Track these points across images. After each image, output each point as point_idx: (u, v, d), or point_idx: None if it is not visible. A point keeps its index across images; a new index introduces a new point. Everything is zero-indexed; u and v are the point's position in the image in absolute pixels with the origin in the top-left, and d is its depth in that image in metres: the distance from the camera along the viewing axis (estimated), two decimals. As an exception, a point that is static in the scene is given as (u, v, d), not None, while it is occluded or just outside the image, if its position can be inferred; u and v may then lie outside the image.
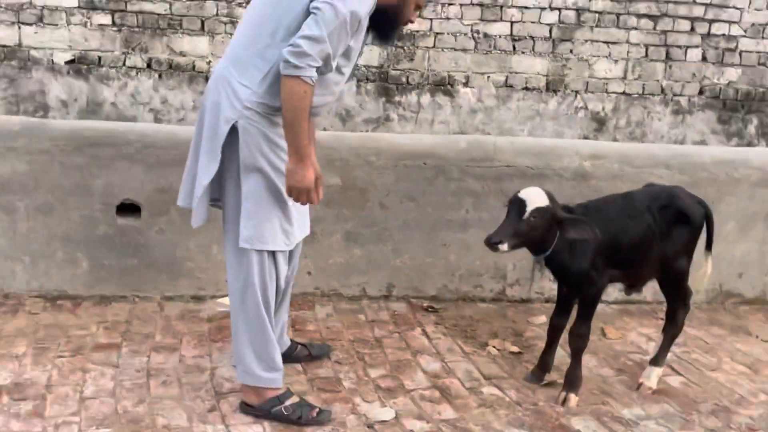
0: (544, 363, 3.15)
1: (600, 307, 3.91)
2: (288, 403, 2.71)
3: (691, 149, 4.39)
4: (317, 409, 2.72)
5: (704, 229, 3.09)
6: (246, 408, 2.72)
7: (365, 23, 2.54)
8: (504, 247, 2.73)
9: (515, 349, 3.43)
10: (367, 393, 2.93)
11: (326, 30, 2.38)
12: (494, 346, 3.42)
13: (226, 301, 3.37)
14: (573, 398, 2.96)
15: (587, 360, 3.33)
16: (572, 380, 3.00)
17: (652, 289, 4.05)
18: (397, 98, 8.52)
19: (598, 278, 2.97)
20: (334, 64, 2.49)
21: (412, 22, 2.86)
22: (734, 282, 4.23)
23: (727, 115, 9.16)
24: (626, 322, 3.89)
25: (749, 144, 9.13)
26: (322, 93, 2.56)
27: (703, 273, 3.14)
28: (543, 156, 3.91)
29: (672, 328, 3.17)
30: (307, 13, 2.42)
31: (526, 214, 2.73)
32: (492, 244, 2.72)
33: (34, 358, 2.98)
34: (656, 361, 3.17)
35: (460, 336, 3.52)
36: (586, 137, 8.72)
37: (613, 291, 4.03)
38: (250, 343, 2.65)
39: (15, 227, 3.47)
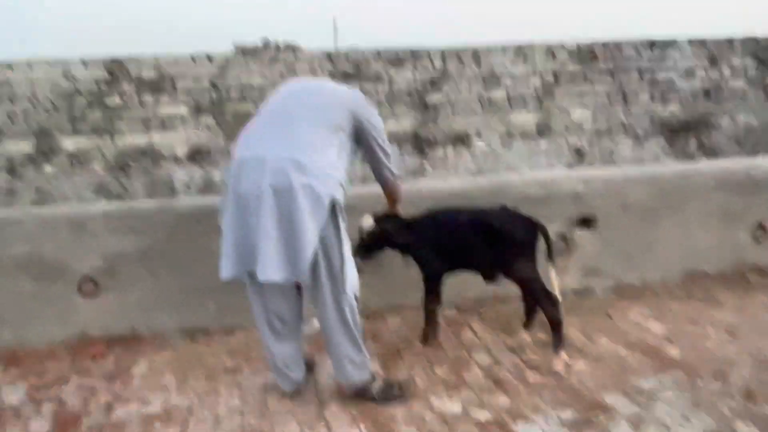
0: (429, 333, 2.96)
1: (599, 295, 3.63)
2: (376, 387, 2.45)
3: (657, 167, 4.00)
4: (397, 387, 2.48)
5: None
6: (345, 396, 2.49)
7: None
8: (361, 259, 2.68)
9: (545, 337, 3.02)
10: (438, 389, 2.56)
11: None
12: (528, 337, 3.04)
13: (315, 322, 3.08)
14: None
15: (603, 341, 2.97)
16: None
17: (638, 273, 3.71)
18: (428, 153, 8.33)
19: (429, 263, 2.82)
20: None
21: None
22: (700, 264, 3.80)
23: (673, 139, 8.74)
24: (623, 304, 3.46)
25: (692, 158, 8.70)
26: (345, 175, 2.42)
27: (552, 281, 2.74)
28: (546, 185, 3.56)
29: (549, 319, 2.73)
30: (348, 110, 2.39)
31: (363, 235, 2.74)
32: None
33: (179, 386, 2.69)
34: (555, 348, 2.74)
35: (501, 331, 3.15)
36: (571, 166, 8.41)
37: (608, 281, 3.65)
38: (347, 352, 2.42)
39: (157, 283, 3.23)
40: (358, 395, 2.47)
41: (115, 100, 7.25)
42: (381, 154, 2.56)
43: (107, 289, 3.18)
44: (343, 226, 2.31)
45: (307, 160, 2.20)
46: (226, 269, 2.29)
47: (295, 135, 2.27)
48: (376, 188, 3.06)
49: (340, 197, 2.27)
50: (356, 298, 2.41)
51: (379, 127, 2.53)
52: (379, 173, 2.64)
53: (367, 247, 2.77)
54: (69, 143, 7.24)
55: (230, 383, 2.69)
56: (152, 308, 3.24)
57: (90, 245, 3.13)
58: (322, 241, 2.24)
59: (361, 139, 2.51)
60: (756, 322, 3.13)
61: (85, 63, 7.13)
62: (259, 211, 2.17)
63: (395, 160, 2.70)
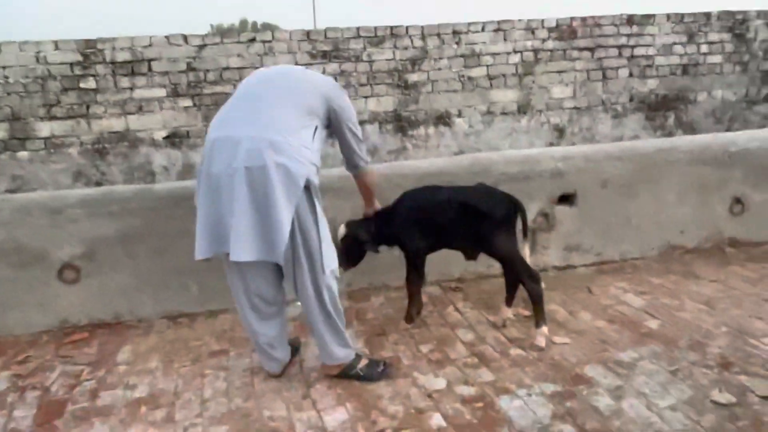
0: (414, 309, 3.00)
1: (580, 270, 3.70)
2: (360, 365, 2.48)
3: (635, 143, 4.04)
4: (382, 364, 2.52)
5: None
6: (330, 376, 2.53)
7: None
8: (343, 269, 2.72)
9: (527, 312, 3.07)
10: (422, 366, 2.59)
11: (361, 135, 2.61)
12: (511, 313, 3.08)
13: (299, 303, 3.09)
14: (403, 323, 2.99)
15: (584, 315, 3.03)
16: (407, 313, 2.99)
17: (617, 248, 3.76)
18: (410, 132, 8.29)
19: (411, 242, 2.83)
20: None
21: None
22: (678, 238, 3.87)
23: (652, 115, 8.79)
24: (604, 279, 3.52)
25: (670, 133, 8.77)
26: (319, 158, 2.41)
27: (525, 257, 2.78)
28: (526, 163, 3.59)
29: (530, 294, 2.74)
30: (322, 97, 2.39)
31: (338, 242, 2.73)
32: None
33: (164, 370, 2.69)
34: (536, 323, 2.75)
35: (483, 307, 3.19)
36: (551, 144, 8.44)
37: (588, 256, 3.73)
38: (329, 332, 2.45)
39: (139, 267, 3.21)
40: (344, 375, 2.49)
41: (89, 83, 7.09)
42: (354, 141, 2.55)
43: (88, 275, 3.15)
44: (319, 206, 2.31)
45: (282, 140, 2.18)
46: (200, 250, 2.27)
47: (270, 116, 2.24)
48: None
49: (314, 178, 2.27)
50: (336, 278, 2.42)
51: (352, 113, 2.53)
52: (352, 161, 2.63)
53: (348, 256, 2.79)
54: (44, 128, 7.08)
55: (216, 366, 2.70)
56: (135, 293, 3.22)
57: (69, 231, 3.10)
58: (299, 222, 2.24)
59: (334, 125, 2.50)
60: (732, 293, 3.20)
61: (57, 45, 6.95)
62: (232, 190, 2.15)
63: (367, 148, 2.71)
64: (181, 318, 3.24)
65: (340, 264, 2.60)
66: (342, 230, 2.79)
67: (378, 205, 2.90)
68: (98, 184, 7.15)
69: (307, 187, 2.23)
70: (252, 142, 2.16)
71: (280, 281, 2.50)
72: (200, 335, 3.02)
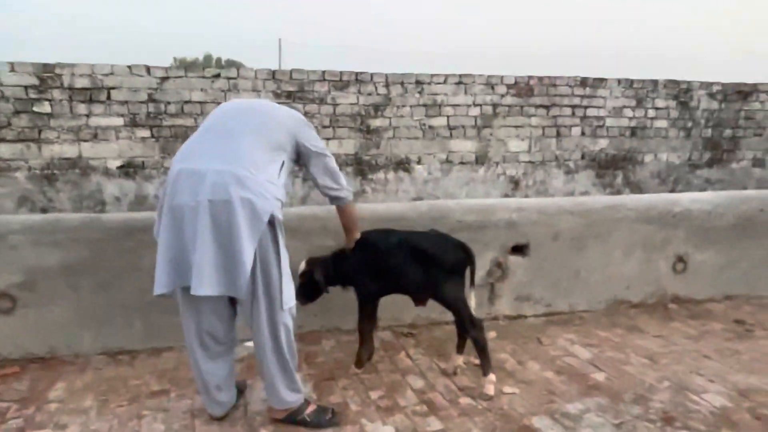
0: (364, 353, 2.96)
1: (530, 320, 3.74)
2: (308, 411, 2.41)
3: (586, 199, 4.15)
4: (330, 412, 2.45)
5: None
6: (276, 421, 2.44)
7: None
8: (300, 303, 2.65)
9: (477, 361, 3.05)
10: (371, 414, 2.54)
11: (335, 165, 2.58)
12: (462, 361, 3.07)
13: (249, 344, 2.99)
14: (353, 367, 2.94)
15: (533, 365, 3.04)
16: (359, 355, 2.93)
17: (567, 300, 3.83)
18: (369, 176, 8.39)
19: (362, 283, 2.82)
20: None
21: None
22: (624, 292, 3.97)
23: (601, 172, 9.18)
24: (553, 330, 3.56)
25: (618, 191, 9.14)
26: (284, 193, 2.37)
27: (471, 304, 2.81)
28: (483, 212, 3.64)
29: (474, 342, 2.77)
30: (289, 133, 2.39)
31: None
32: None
33: (99, 409, 2.54)
34: (483, 371, 2.77)
35: (435, 354, 3.17)
36: (506, 195, 8.65)
37: (539, 307, 3.78)
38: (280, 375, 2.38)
39: (80, 300, 3.07)
40: (290, 420, 2.41)
41: (44, 107, 6.91)
42: (328, 174, 2.52)
43: (25, 305, 2.99)
44: (282, 242, 2.28)
45: (247, 174, 2.15)
46: (160, 284, 2.19)
47: (237, 150, 2.22)
48: (316, 209, 3.05)
49: (279, 214, 2.24)
50: (293, 317, 2.37)
51: (320, 145, 2.52)
52: (334, 192, 2.57)
53: (305, 292, 2.78)
54: (-9, 150, 6.83)
55: (155, 407, 2.57)
56: (73, 327, 3.07)
57: (8, 258, 2.95)
58: (261, 257, 2.20)
59: (304, 160, 2.48)
60: (674, 348, 3.28)
61: (13, 67, 6.78)
62: (195, 223, 2.11)
63: (347, 179, 2.67)
64: (122, 355, 3.09)
65: (297, 299, 2.55)
66: (302, 266, 2.77)
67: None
68: (44, 210, 6.89)
69: (271, 223, 2.20)
70: (217, 175, 2.12)
71: (233, 320, 2.43)
72: (140, 374, 2.89)
